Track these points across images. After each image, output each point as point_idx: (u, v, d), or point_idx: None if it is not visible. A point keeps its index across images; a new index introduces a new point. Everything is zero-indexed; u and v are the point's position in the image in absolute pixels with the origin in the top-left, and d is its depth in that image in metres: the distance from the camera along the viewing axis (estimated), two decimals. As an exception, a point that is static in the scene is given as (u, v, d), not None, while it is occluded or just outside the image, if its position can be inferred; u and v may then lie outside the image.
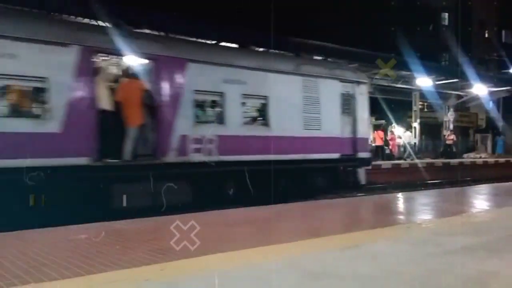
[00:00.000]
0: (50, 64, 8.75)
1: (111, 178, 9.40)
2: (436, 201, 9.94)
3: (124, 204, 9.40)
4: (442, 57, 47.16)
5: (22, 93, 8.86)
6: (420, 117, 29.88)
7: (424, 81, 26.06)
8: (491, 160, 29.65)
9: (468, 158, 30.14)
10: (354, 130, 13.51)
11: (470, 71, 28.06)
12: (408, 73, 23.88)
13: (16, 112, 8.62)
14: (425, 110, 34.60)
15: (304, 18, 33.06)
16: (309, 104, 12.54)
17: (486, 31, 50.21)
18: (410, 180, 19.75)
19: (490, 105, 36.43)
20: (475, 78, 28.30)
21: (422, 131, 30.93)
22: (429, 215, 8.08)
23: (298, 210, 8.63)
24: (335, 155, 13.04)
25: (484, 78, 29.69)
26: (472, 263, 4.41)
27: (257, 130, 11.65)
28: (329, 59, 15.18)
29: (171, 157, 10.10)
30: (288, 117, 12.07)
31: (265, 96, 11.77)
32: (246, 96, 11.50)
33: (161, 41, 11.16)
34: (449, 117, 32.20)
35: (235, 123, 11.24)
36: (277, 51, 13.61)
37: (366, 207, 9.57)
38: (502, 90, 32.56)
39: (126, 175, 9.62)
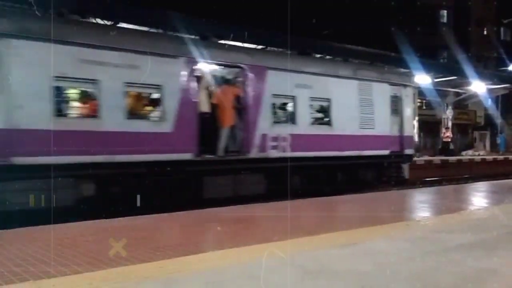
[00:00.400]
0: (164, 74, 10.01)
1: (207, 171, 10.67)
2: (436, 198, 10.01)
3: (215, 193, 10.47)
4: (441, 55, 47.10)
5: (144, 99, 10.26)
6: (419, 115, 29.87)
7: (422, 79, 26.03)
8: (490, 157, 29.72)
9: (467, 155, 30.18)
10: (401, 129, 14.59)
11: (468, 69, 28.02)
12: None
13: (140, 114, 9.98)
14: (424, 107, 34.63)
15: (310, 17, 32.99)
16: (364, 105, 13.61)
17: (485, 29, 50.11)
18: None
19: (488, 103, 36.33)
20: (473, 76, 28.24)
21: (420, 129, 30.96)
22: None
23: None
24: (385, 152, 14.08)
25: (482, 75, 29.66)
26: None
27: (322, 129, 12.76)
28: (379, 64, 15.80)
29: (254, 153, 11.21)
30: (347, 118, 13.19)
31: (328, 99, 12.89)
32: (313, 99, 12.62)
33: (247, 52, 12.18)
34: (448, 114, 32.18)
35: (304, 123, 12.35)
36: (335, 58, 14.76)
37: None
38: (500, 87, 32.50)
39: (219, 169, 10.94)
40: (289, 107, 12.25)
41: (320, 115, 12.93)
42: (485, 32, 50.36)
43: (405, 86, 14.99)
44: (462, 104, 35.24)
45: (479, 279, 3.96)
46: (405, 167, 14.92)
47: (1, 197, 8.36)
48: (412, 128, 15.39)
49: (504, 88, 32.13)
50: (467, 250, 4.89)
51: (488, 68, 41.41)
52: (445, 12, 49.90)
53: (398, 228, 6.23)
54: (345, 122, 13.10)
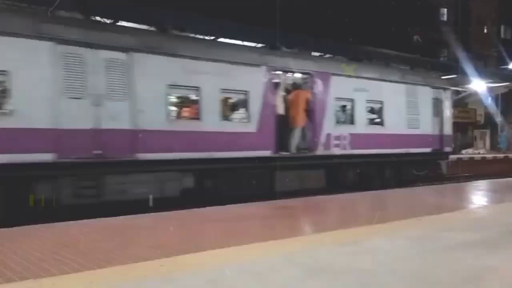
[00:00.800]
0: (250, 81, 11.46)
1: (284, 166, 11.86)
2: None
3: (285, 187, 11.70)
4: (441, 53, 48.14)
5: (234, 103, 11.69)
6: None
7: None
8: (489, 156, 30.70)
9: (467, 154, 31.33)
10: (441, 128, 16.19)
11: (468, 67, 29.15)
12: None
13: (231, 116, 11.51)
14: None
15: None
16: (411, 107, 15.13)
17: (485, 27, 51.15)
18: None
19: (488, 101, 37.40)
20: (473, 74, 29.44)
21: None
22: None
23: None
24: (428, 150, 15.65)
25: (482, 73, 30.91)
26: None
27: (376, 129, 14.25)
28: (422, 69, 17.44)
29: (320, 150, 12.71)
30: (397, 118, 14.70)
31: (381, 101, 14.39)
32: (369, 101, 14.11)
33: (314, 60, 13.65)
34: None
35: (361, 123, 13.83)
36: (386, 64, 16.30)
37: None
38: (500, 86, 33.77)
39: (291, 165, 12.29)
40: (349, 109, 13.71)
41: (374, 116, 14.41)
42: (485, 30, 51.24)
43: (444, 89, 16.64)
44: (462, 103, 36.55)
45: None
46: (444, 163, 16.50)
47: (126, 187, 9.84)
48: (450, 128, 16.96)
49: (504, 86, 33.60)
50: None
51: (488, 66, 42.60)
52: (445, 10, 51.11)
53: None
54: (395, 122, 14.62)
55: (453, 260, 4.58)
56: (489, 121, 37.98)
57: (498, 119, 37.16)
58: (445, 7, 50.74)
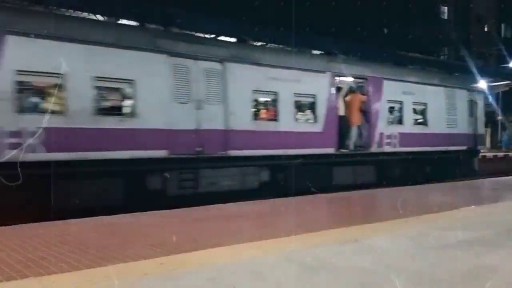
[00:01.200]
0: (317, 86, 12.90)
1: (340, 162, 13.54)
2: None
3: (341, 181, 13.32)
4: (441, 51, 49.34)
5: (304, 105, 12.99)
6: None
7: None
8: (490, 154, 31.97)
9: None
10: (475, 128, 17.90)
11: (469, 65, 30.50)
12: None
13: (302, 118, 12.90)
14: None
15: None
16: (450, 108, 16.75)
17: (485, 25, 52.31)
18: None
19: (489, 100, 38.77)
20: (474, 72, 30.89)
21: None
22: None
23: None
24: (464, 147, 17.35)
25: (483, 72, 32.41)
26: None
27: (420, 128, 15.79)
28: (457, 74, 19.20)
29: (374, 148, 14.27)
30: (438, 119, 16.25)
31: (425, 103, 15.94)
32: (415, 103, 15.63)
33: (369, 66, 15.04)
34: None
35: (409, 123, 15.37)
36: (428, 68, 18.11)
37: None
38: (501, 84, 35.37)
39: (349, 161, 13.90)
40: (398, 110, 15.20)
41: (419, 116, 15.93)
42: (485, 29, 52.31)
43: (478, 92, 18.40)
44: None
45: None
46: (476, 160, 18.22)
47: (217, 180, 11.36)
48: (483, 127, 18.71)
49: (505, 85, 35.31)
50: None
51: (488, 65, 44.02)
52: (446, 9, 52.29)
53: None
54: (437, 122, 16.16)
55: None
56: (490, 120, 39.34)
57: (499, 117, 38.46)
58: (445, 6, 51.77)
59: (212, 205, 8.38)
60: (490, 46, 48.43)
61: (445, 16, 51.65)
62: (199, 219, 7.13)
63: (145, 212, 7.38)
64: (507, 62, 40.68)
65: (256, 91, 11.84)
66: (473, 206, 8.46)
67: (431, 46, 41.84)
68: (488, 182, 14.39)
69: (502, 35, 52.77)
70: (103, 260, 4.48)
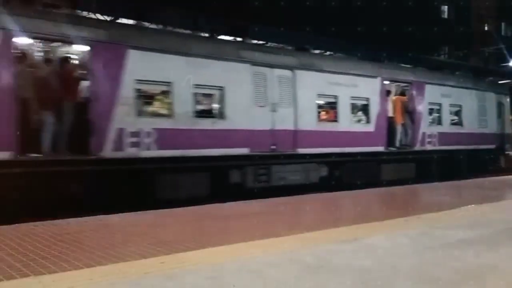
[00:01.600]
0: (370, 90, 14.34)
1: (388, 159, 14.91)
2: None
3: (387, 176, 14.58)
4: (442, 50, 50.41)
5: (359, 107, 14.51)
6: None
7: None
8: None
9: None
10: (503, 128, 19.49)
11: (469, 64, 31.69)
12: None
13: (357, 119, 14.35)
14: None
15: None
16: (481, 110, 18.28)
17: (486, 24, 53.52)
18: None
19: None
20: (474, 71, 32.21)
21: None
22: None
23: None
24: (492, 146, 18.88)
25: (483, 71, 33.89)
26: None
27: (456, 128, 17.30)
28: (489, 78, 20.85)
29: (417, 146, 15.71)
30: (471, 119, 17.79)
31: (460, 105, 17.50)
32: (451, 105, 17.16)
33: (413, 71, 16.61)
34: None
35: (446, 123, 16.88)
36: (462, 73, 19.82)
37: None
38: (501, 83, 36.82)
39: (395, 158, 15.29)
40: (437, 111, 16.64)
41: (455, 117, 17.43)
42: (486, 28, 53.39)
43: (505, 94, 19.99)
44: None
45: None
46: (502, 158, 19.72)
47: (285, 175, 12.74)
48: (510, 127, 20.20)
49: (505, 83, 36.87)
50: None
51: (489, 63, 45.36)
52: (446, 8, 53.33)
53: None
54: (470, 123, 17.69)
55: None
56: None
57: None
58: (445, 5, 52.71)
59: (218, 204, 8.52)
60: (490, 45, 49.43)
61: (445, 15, 52.70)
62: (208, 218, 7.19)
63: (145, 211, 7.44)
64: (507, 61, 42.12)
65: (319, 95, 13.24)
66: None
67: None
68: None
69: (502, 33, 53.55)
70: (103, 259, 4.47)
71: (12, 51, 8.45)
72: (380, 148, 14.67)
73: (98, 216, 6.99)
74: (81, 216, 6.83)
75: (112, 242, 5.25)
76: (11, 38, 8.37)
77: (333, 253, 4.68)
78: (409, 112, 15.52)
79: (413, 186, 12.86)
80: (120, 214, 7.12)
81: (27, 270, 4.12)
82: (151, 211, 7.50)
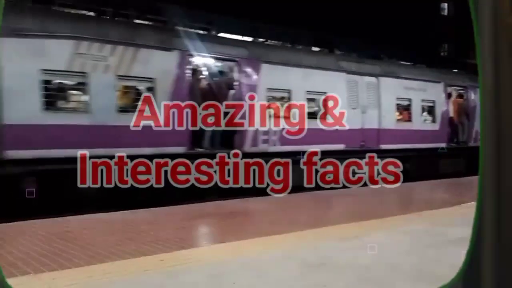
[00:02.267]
0: (435, 93, 16.34)
1: (447, 154, 16.51)
2: None
3: (445, 170, 16.29)
4: (441, 48, 51.00)
5: (427, 109, 16.29)
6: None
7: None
8: None
9: None
10: None
11: (469, 62, 33.24)
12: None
13: (425, 118, 16.15)
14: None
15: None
16: None
17: None
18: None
19: None
20: (474, 70, 33.63)
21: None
22: None
23: None
24: None
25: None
26: None
27: None
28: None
29: (471, 143, 17.50)
30: None
31: None
32: None
33: (469, 76, 18.31)
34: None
35: None
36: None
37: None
38: None
39: (452, 153, 16.92)
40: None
41: None
42: None
43: None
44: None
45: None
46: None
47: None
48: None
49: None
50: None
51: None
52: (446, 5, 53.57)
53: None
54: None
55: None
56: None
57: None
58: (445, 2, 52.75)
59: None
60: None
61: (445, 13, 52.87)
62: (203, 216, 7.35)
63: (145, 209, 7.52)
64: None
65: (398, 98, 15.31)
66: None
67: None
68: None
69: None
70: (103, 257, 4.51)
71: (187, 66, 10.58)
72: (443, 144, 16.66)
73: (97, 214, 7.04)
74: (81, 214, 6.99)
75: (111, 240, 5.31)
76: (188, 57, 10.55)
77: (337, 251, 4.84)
78: (466, 113, 17.53)
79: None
80: (119, 212, 7.18)
81: (28, 267, 4.18)
82: (151, 209, 7.56)
